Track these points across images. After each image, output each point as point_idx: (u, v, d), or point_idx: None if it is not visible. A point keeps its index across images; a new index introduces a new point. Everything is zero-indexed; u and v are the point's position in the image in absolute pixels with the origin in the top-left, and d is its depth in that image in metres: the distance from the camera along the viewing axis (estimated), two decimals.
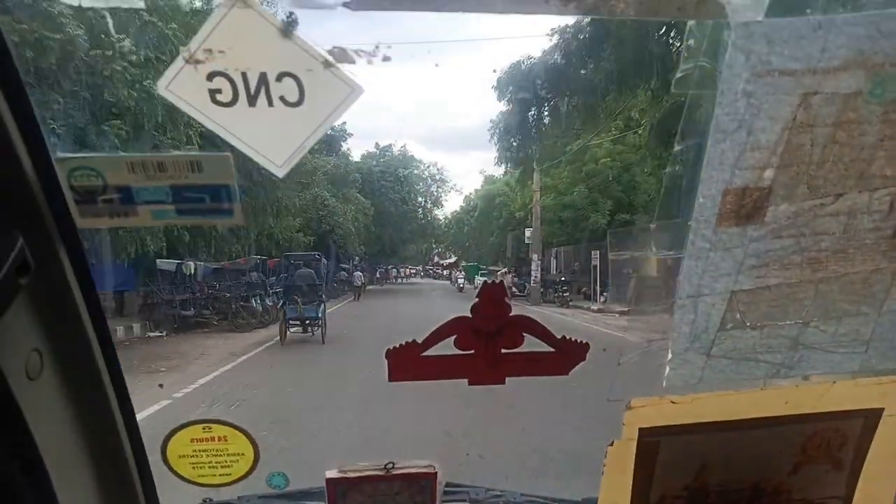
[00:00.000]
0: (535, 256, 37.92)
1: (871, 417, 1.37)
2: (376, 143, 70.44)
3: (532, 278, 38.00)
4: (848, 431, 1.39)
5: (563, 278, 39.17)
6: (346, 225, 47.83)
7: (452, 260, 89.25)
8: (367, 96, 0.96)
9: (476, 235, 63.67)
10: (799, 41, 0.92)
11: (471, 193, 73.87)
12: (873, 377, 1.33)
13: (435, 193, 77.84)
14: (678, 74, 0.96)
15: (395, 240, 68.71)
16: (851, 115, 0.99)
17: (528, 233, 39.83)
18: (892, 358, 1.29)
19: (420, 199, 73.29)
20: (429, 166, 77.36)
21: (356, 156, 62.47)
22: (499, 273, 41.01)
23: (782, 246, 1.12)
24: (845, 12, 0.93)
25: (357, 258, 59.29)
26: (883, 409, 1.36)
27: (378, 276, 67.43)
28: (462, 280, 54.53)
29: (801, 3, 0.94)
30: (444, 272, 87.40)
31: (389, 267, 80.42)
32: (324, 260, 29.75)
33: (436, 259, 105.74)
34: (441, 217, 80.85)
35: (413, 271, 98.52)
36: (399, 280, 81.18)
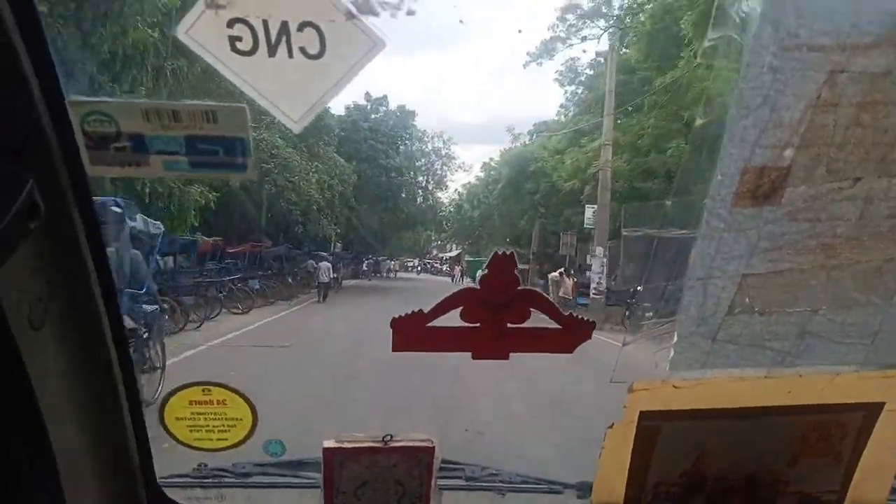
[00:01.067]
0: (599, 250, 24.27)
1: (871, 411, 1.37)
2: (366, 94, 47.71)
3: (594, 283, 24.36)
4: (848, 424, 1.38)
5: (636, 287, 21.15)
6: (309, 191, 30.59)
7: (454, 253, 78.64)
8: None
9: (495, 219, 46.45)
10: (829, 15, 0.91)
11: (490, 160, 55.32)
12: (877, 370, 1.32)
13: (439, 172, 60.05)
14: (706, 44, 0.95)
15: (387, 224, 53.10)
16: (878, 97, 0.98)
17: (588, 213, 25.76)
18: None
19: (421, 177, 57.07)
20: (433, 137, 59.62)
21: (338, 109, 43.76)
22: (552, 276, 25.83)
23: (797, 230, 1.10)
24: None
25: (338, 245, 48.14)
26: (884, 404, 1.35)
27: (365, 269, 54.71)
28: (460, 276, 48.99)
29: None
30: (445, 267, 77.24)
31: (381, 259, 66.37)
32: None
33: (434, 252, 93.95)
34: (445, 200, 63.50)
35: (411, 265, 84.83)
36: (392, 275, 66.79)
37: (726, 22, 0.95)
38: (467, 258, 59.88)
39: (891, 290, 1.20)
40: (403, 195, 51.02)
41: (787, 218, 1.09)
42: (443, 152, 60.09)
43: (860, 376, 1.33)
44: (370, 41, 0.94)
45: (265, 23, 0.91)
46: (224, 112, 0.99)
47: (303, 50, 0.93)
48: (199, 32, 0.91)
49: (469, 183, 61.02)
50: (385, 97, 49.34)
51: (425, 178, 58.36)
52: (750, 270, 1.15)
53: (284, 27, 0.92)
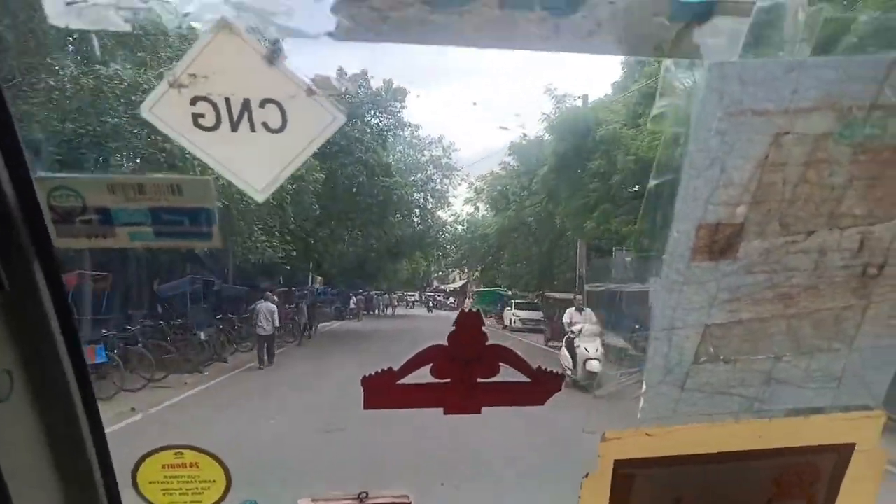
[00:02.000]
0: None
1: (843, 452, 1.38)
2: (338, 69, 31.67)
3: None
4: (821, 466, 1.40)
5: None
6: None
7: (458, 284, 69.10)
8: None
9: (531, 226, 33.04)
10: (772, 82, 0.95)
11: (522, 137, 32.82)
12: (845, 413, 1.34)
13: (439, 186, 46.99)
14: (654, 112, 0.99)
15: (377, 250, 41.54)
16: (822, 155, 1.01)
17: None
18: (863, 394, 1.31)
19: (418, 193, 44.00)
20: (430, 143, 46.57)
21: None
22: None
23: (755, 281, 1.13)
24: (815, 56, 0.95)
25: (317, 280, 41.37)
26: (854, 445, 1.37)
27: (353, 307, 43.85)
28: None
29: (774, 46, 0.97)
30: (451, 300, 66.65)
31: (376, 293, 56.53)
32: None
33: (434, 284, 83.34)
34: (447, 219, 50.63)
35: (412, 299, 73.55)
36: (389, 311, 55.86)
37: (674, 91, 0.98)
38: (476, 289, 52.02)
39: (850, 335, 1.23)
40: (397, 217, 38.33)
41: (743, 270, 1.12)
42: (443, 161, 47.25)
43: (829, 419, 1.35)
44: (330, 115, 0.97)
45: (227, 100, 0.94)
46: (189, 184, 1.01)
47: (265, 125, 0.96)
48: (163, 110, 0.94)
49: (486, 177, 44.20)
50: (364, 73, 35.23)
51: (423, 194, 45.37)
52: (712, 321, 1.18)
53: (246, 104, 0.94)
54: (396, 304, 62.31)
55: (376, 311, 53.23)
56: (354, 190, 31.54)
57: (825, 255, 1.12)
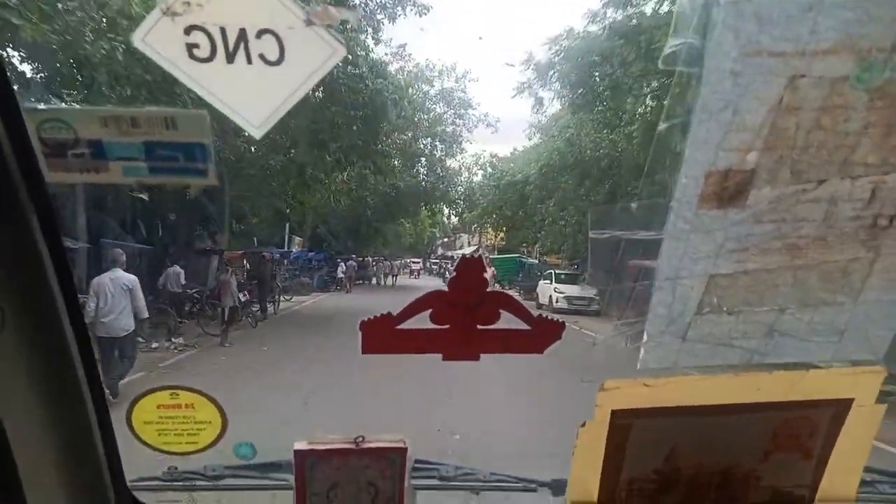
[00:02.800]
0: None
1: (840, 407, 1.38)
2: None
3: None
4: (818, 420, 1.40)
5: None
6: None
7: (467, 250, 53.67)
8: None
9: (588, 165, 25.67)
10: (789, 22, 0.91)
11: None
12: (845, 367, 1.33)
13: (450, 129, 36.99)
14: (667, 50, 0.95)
15: (373, 206, 37.14)
16: (837, 100, 0.98)
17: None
18: (866, 349, 1.30)
19: (424, 140, 35.45)
20: (440, 73, 35.72)
21: None
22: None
23: (763, 231, 1.11)
24: None
25: (295, 242, 35.08)
26: (853, 400, 1.37)
27: (341, 275, 35.00)
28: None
29: None
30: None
31: (375, 260, 48.59)
32: None
33: (439, 250, 75.27)
34: (464, 165, 41.40)
35: (417, 267, 62.40)
36: (390, 281, 46.85)
37: (687, 28, 0.95)
38: (492, 256, 42.52)
39: (856, 289, 1.21)
40: (384, 144, 27.02)
41: (752, 219, 1.09)
42: (455, 97, 36.63)
43: (829, 373, 1.35)
44: (329, 47, 0.93)
45: (223, 30, 0.90)
46: (184, 118, 0.98)
47: (262, 56, 0.92)
48: (156, 39, 0.90)
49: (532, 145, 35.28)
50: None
51: (430, 140, 36.33)
52: (717, 271, 1.16)
53: (242, 34, 0.91)
54: (398, 271, 51.89)
55: (373, 281, 44.64)
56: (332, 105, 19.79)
57: (836, 204, 1.09)
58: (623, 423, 1.34)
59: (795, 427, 1.41)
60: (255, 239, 28.82)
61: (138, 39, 0.90)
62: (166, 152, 1.00)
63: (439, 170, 38.87)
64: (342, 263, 36.00)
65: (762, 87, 0.96)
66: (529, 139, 38.07)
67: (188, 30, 0.90)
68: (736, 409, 1.35)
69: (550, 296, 26.76)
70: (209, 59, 0.91)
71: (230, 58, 0.92)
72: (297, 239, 36.30)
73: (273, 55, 0.92)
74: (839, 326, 1.26)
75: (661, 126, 1.00)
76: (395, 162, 32.20)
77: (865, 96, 0.99)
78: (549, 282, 28.20)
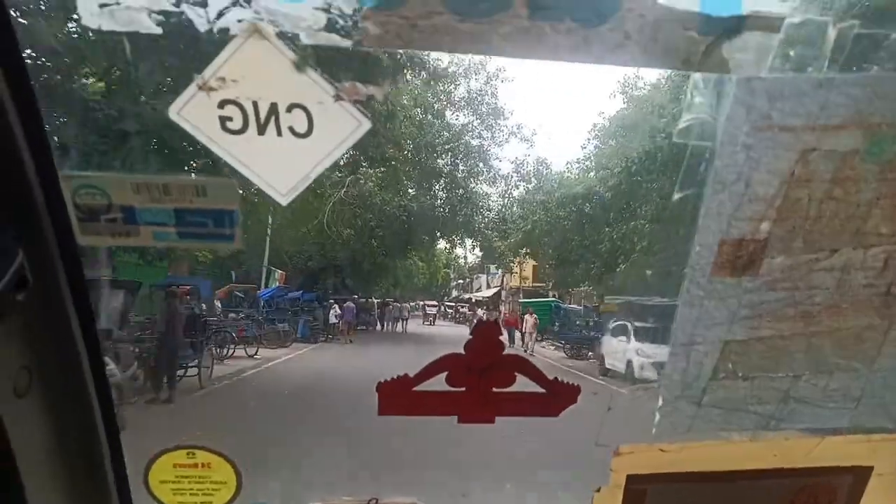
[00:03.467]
0: None
1: (860, 475, 1.36)
2: None
3: None
4: (837, 488, 1.38)
5: None
6: None
7: (487, 293, 53.40)
8: None
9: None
10: (800, 98, 0.94)
11: None
12: (863, 434, 1.33)
13: (476, 142, 30.08)
14: (681, 125, 0.98)
15: (376, 235, 30.25)
16: (849, 173, 1.01)
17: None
18: (883, 416, 1.29)
19: (442, 159, 29.31)
20: (465, 70, 28.86)
21: None
22: None
23: (776, 298, 1.12)
24: (845, 73, 0.95)
25: (278, 274, 29.06)
26: (872, 468, 1.35)
27: (335, 320, 28.38)
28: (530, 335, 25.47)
29: (803, 61, 0.96)
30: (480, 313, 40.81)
31: (376, 301, 40.82)
32: None
33: (453, 293, 66.84)
34: (490, 194, 32.39)
35: (433, 310, 52.16)
36: (399, 326, 39.24)
37: (701, 105, 0.98)
38: (523, 301, 35.96)
39: (871, 355, 1.21)
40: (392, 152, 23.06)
41: (766, 287, 1.11)
42: (485, 103, 28.87)
43: (847, 440, 1.34)
44: (356, 121, 0.97)
45: (255, 104, 0.94)
46: (214, 186, 1.02)
47: (291, 129, 0.96)
48: (191, 113, 0.95)
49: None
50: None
51: (450, 156, 28.71)
52: (732, 337, 1.17)
53: (273, 108, 0.95)
54: (408, 315, 42.10)
55: (378, 327, 37.43)
56: None
57: (849, 273, 1.11)
58: (638, 489, 1.33)
59: (814, 494, 1.39)
60: (232, 274, 26.02)
61: (174, 112, 0.94)
62: (196, 218, 1.03)
63: (461, 190, 29.65)
64: (335, 306, 27.74)
65: (774, 160, 0.99)
66: (583, 147, 28.77)
67: (222, 104, 0.94)
68: (753, 475, 1.34)
69: (630, 360, 17.91)
70: (241, 131, 0.95)
71: (261, 130, 0.96)
72: (278, 273, 28.94)
73: (302, 128, 0.96)
74: (855, 393, 1.26)
75: (675, 196, 1.02)
76: (405, 176, 26.07)
77: (876, 169, 1.01)
78: (624, 338, 19.00)
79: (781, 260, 1.08)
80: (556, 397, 1.31)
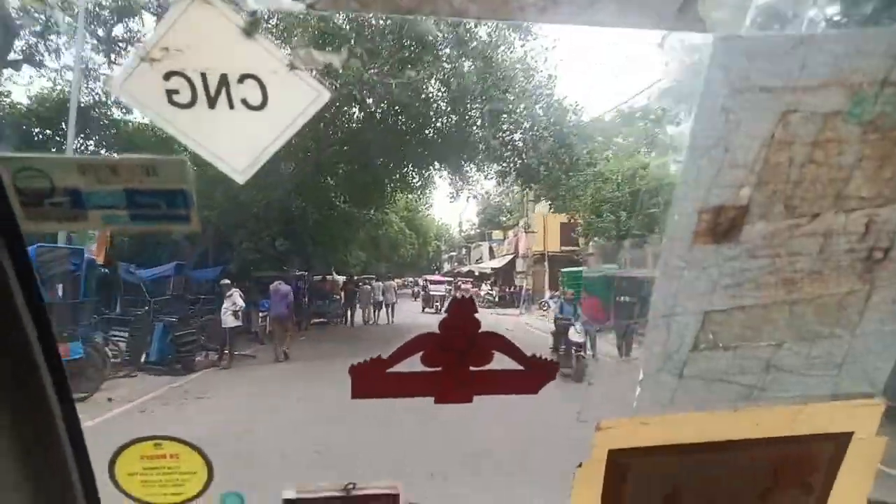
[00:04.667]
0: None
1: (840, 441, 1.36)
2: None
3: None
4: (818, 455, 1.37)
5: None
6: None
7: (491, 264, 41.65)
8: None
9: None
10: (779, 57, 0.90)
11: None
12: (844, 400, 1.32)
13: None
14: (658, 87, 0.94)
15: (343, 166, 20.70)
16: (830, 135, 0.97)
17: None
18: (864, 381, 1.28)
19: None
20: None
21: None
22: None
23: (758, 266, 1.10)
24: (826, 29, 0.91)
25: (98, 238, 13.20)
26: (853, 433, 1.35)
27: (233, 320, 14.80)
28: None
29: (782, 18, 0.92)
30: (492, 291, 36.47)
31: (345, 279, 28.75)
32: None
33: (445, 266, 55.09)
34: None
35: (440, 289, 34.66)
36: (375, 316, 27.11)
37: (678, 67, 0.94)
38: (566, 270, 24.19)
39: (853, 321, 1.19)
40: None
41: (746, 255, 1.08)
42: None
43: (828, 407, 1.32)
44: (314, 91, 0.91)
45: (203, 75, 0.88)
46: (164, 165, 0.96)
47: (244, 101, 0.90)
48: (135, 86, 0.88)
49: None
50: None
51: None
52: (712, 307, 1.14)
53: (224, 79, 0.89)
54: (394, 298, 28.33)
55: (348, 319, 26.05)
56: None
57: (830, 238, 1.08)
58: (621, 463, 1.31)
59: (796, 462, 1.38)
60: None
61: (116, 86, 0.88)
62: (147, 200, 0.97)
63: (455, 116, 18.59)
64: (234, 295, 15.42)
65: (753, 122, 0.95)
66: None
67: (168, 75, 0.88)
68: (735, 445, 1.33)
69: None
70: (190, 105, 0.89)
71: (212, 103, 0.90)
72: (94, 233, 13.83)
73: (256, 100, 0.90)
74: (837, 360, 1.24)
75: (652, 164, 0.98)
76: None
77: (858, 130, 0.98)
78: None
79: (762, 226, 1.05)
80: (533, 374, 1.28)
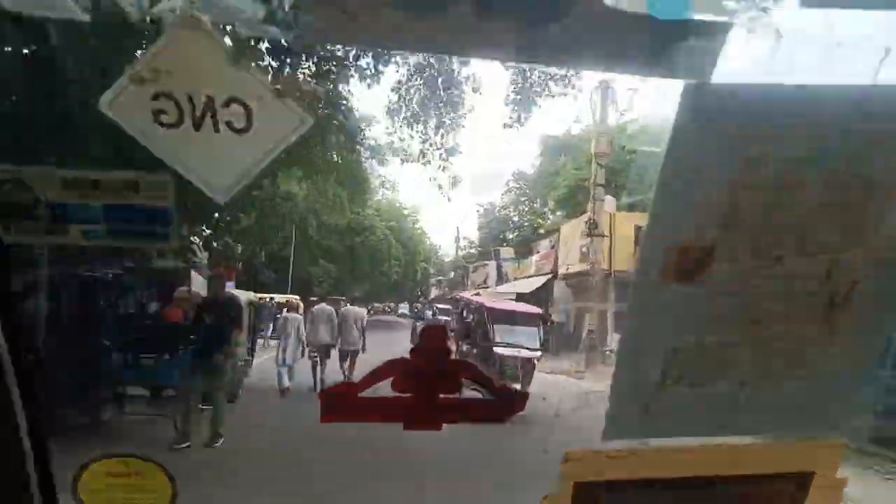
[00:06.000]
0: None
1: (802, 481, 1.38)
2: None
3: None
4: (781, 494, 1.39)
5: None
6: None
7: (521, 287, 25.92)
8: None
9: None
10: (747, 105, 0.94)
11: None
12: (808, 440, 1.34)
13: None
14: (628, 131, 0.97)
15: None
16: (794, 180, 1.01)
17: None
18: (825, 422, 1.31)
19: None
20: None
21: None
22: None
23: (723, 305, 1.12)
24: (794, 82, 0.95)
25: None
26: (814, 473, 1.37)
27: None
28: None
29: (749, 67, 0.96)
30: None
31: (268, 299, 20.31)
32: None
33: (432, 292, 47.08)
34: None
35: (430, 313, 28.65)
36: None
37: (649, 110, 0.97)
38: None
39: (815, 363, 1.22)
40: None
41: (712, 294, 1.11)
42: None
43: (789, 446, 1.35)
44: (298, 118, 0.94)
45: (190, 97, 0.91)
46: (147, 182, 0.98)
47: (229, 124, 0.93)
48: (123, 105, 0.90)
49: None
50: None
51: None
52: (678, 344, 1.16)
53: (210, 102, 0.91)
54: (362, 335, 14.26)
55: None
56: None
57: (793, 281, 1.11)
58: (586, 497, 1.32)
59: (761, 500, 1.40)
60: None
61: (105, 105, 0.90)
62: (127, 215, 0.98)
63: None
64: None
65: (721, 166, 0.98)
66: None
67: (156, 96, 0.90)
68: (700, 481, 1.34)
69: None
70: (176, 126, 0.91)
71: (197, 124, 0.92)
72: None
73: (240, 123, 0.93)
74: (800, 400, 1.27)
75: (625, 202, 1.01)
76: None
77: (821, 177, 1.02)
78: None
79: (728, 266, 1.08)
80: (502, 403, 1.29)
